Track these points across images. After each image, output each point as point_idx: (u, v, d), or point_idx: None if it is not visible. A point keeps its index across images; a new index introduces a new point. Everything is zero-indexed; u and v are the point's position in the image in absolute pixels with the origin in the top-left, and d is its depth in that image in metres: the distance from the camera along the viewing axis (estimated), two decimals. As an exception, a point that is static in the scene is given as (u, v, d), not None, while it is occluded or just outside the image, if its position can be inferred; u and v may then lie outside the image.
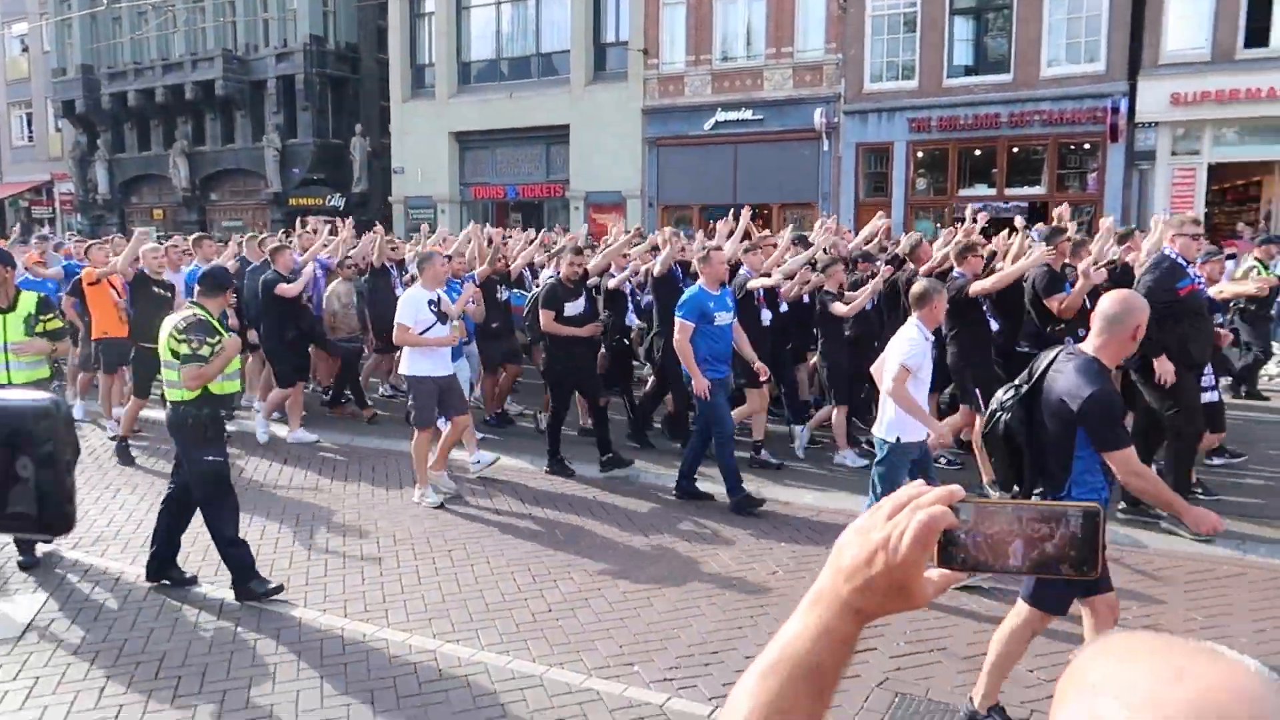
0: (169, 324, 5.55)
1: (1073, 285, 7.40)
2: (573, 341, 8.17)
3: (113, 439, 9.43)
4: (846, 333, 8.44)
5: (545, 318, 8.09)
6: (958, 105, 20.47)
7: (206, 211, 34.00)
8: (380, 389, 12.12)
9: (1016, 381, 4.15)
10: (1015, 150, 20.57)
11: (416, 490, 7.66)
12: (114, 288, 9.48)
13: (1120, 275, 7.89)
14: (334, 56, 31.71)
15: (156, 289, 9.03)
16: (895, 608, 0.97)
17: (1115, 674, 0.72)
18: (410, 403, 8.00)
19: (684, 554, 6.46)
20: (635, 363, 11.02)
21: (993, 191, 20.80)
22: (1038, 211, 20.24)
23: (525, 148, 26.72)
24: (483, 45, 27.30)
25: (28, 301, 6.11)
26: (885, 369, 5.60)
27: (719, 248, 8.03)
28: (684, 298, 7.35)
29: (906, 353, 5.48)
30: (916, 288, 5.77)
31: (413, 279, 8.53)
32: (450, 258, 9.00)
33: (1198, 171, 18.97)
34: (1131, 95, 18.87)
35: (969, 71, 20.74)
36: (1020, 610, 4.02)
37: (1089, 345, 3.88)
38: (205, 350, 5.40)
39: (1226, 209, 20.20)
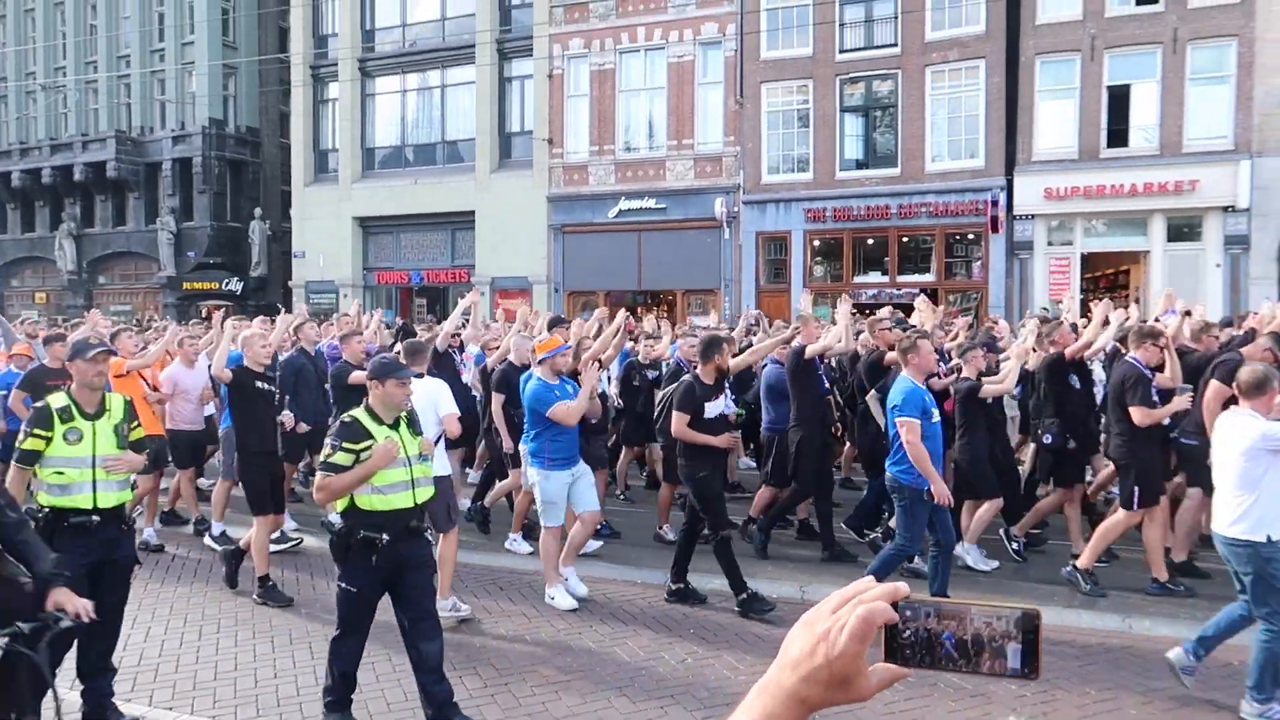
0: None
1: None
2: (707, 449, 7.07)
3: (219, 545, 8.09)
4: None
5: (679, 421, 6.90)
6: (850, 197, 21.44)
7: (94, 295, 32.77)
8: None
9: None
10: (905, 239, 21.59)
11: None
12: (144, 379, 8.74)
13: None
14: (234, 140, 31.38)
15: (260, 384, 7.59)
16: (838, 699, 1.00)
17: None
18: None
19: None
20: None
21: (886, 279, 21.71)
22: (929, 298, 21.19)
23: (430, 233, 26.75)
24: (387, 132, 27.45)
25: (117, 405, 4.95)
26: (1225, 461, 5.04)
27: (925, 334, 7.37)
28: (903, 394, 6.40)
29: (1266, 441, 4.87)
30: (1253, 374, 5.08)
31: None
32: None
33: (1072, 260, 20.22)
34: (1009, 189, 20.11)
35: (860, 165, 21.80)
36: None
37: None
38: (340, 457, 4.60)
39: (1099, 295, 21.45)
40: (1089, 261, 20.68)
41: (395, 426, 4.83)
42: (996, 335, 10.77)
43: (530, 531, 8.30)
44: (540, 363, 7.03)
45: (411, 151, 27.13)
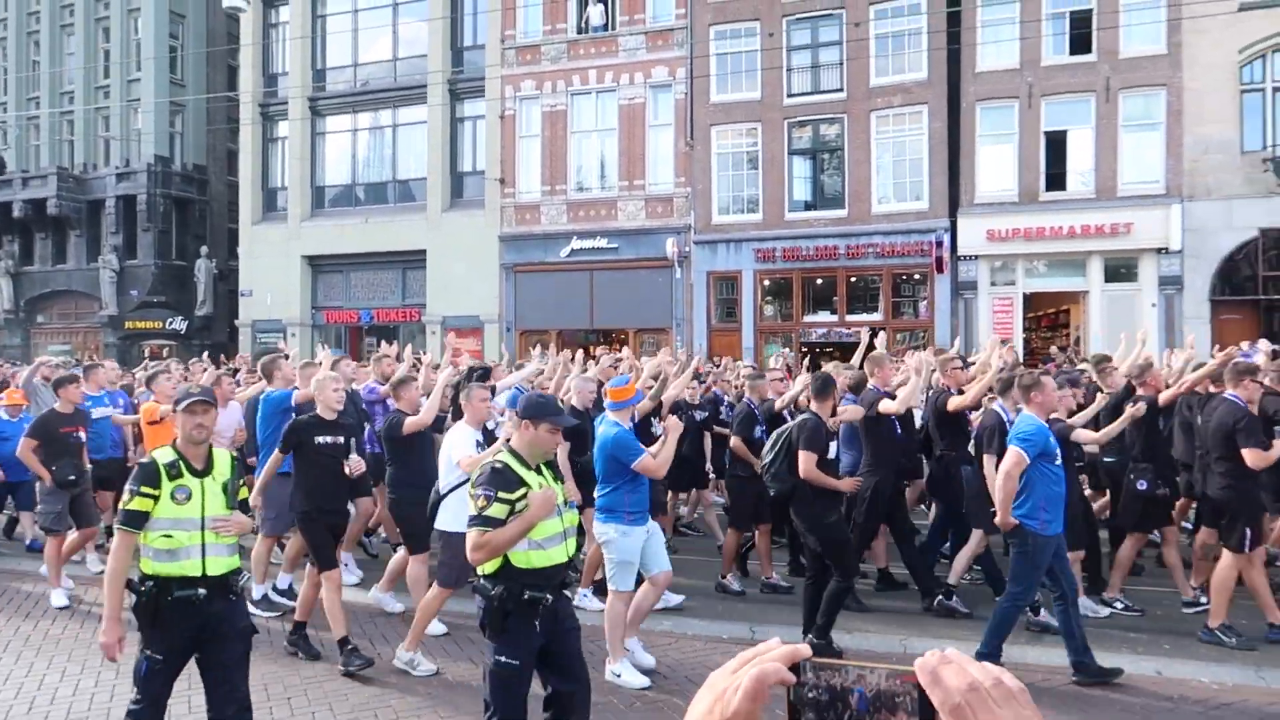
0: (476, 471, 4.30)
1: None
2: (832, 493, 6.79)
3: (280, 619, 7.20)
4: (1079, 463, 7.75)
5: (809, 461, 6.56)
6: (799, 237, 21.77)
7: (32, 334, 31.94)
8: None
9: None
10: (853, 279, 21.94)
11: (403, 653, 6.44)
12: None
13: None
14: (180, 177, 30.97)
15: (324, 439, 6.55)
16: None
17: None
18: (440, 558, 6.60)
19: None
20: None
21: (834, 318, 22.02)
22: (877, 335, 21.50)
23: (381, 272, 26.57)
24: (338, 170, 27.33)
25: (223, 461, 4.47)
26: None
27: (1048, 371, 7.16)
28: (1028, 429, 6.02)
29: None
30: None
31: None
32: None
33: (1014, 300, 20.70)
34: (953, 231, 20.57)
35: (808, 206, 22.18)
36: None
37: None
38: (497, 509, 3.99)
39: (1041, 334, 22.03)
40: (1031, 301, 21.18)
41: (539, 471, 4.30)
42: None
43: (601, 587, 7.58)
44: (619, 409, 6.31)
45: (362, 190, 27.02)
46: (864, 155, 21.34)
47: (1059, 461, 6.06)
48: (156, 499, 4.18)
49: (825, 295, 22.27)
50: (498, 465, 4.11)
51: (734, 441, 8.38)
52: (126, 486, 4.27)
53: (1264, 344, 10.42)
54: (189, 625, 4.19)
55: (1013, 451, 5.94)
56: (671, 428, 6.05)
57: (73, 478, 8.16)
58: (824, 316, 22.23)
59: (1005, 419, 6.99)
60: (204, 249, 30.11)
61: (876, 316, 21.67)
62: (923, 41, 20.79)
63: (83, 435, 8.44)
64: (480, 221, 24.65)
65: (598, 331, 24.10)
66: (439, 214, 25.22)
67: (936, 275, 20.80)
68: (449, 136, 25.56)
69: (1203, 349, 18.76)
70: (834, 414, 7.00)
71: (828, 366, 8.84)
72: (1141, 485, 7.59)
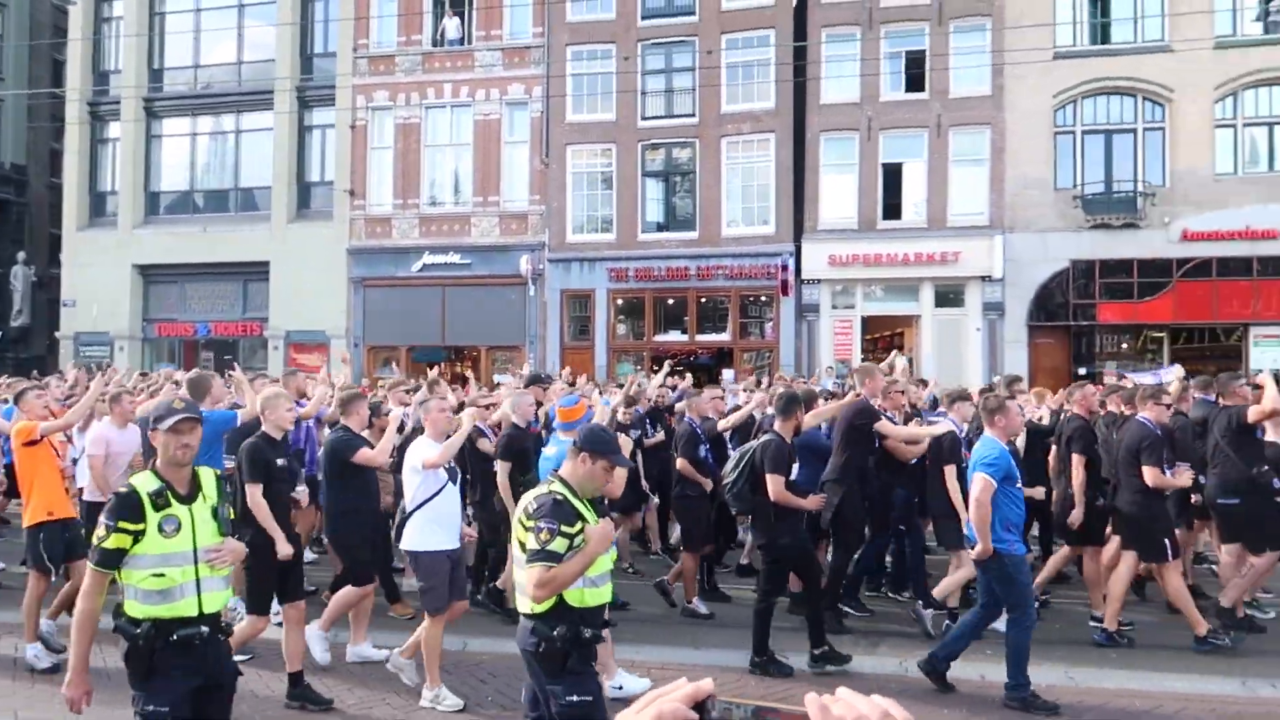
0: (522, 502, 4.00)
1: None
2: (796, 511, 6.74)
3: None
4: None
5: (777, 484, 6.54)
6: (652, 258, 22.13)
7: None
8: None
9: None
10: (703, 300, 22.45)
11: (426, 692, 6.07)
12: (55, 449, 7.00)
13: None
14: (-4, 177, 28.73)
15: (279, 461, 6.09)
16: None
17: None
18: (418, 583, 6.32)
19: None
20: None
21: (685, 338, 22.46)
22: (725, 356, 22.12)
23: (220, 283, 25.38)
24: (174, 175, 25.99)
25: (209, 483, 3.93)
26: None
27: (1011, 395, 7.24)
28: (992, 454, 6.06)
29: None
30: None
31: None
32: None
33: (854, 323, 21.66)
34: (798, 255, 21.37)
35: (661, 228, 22.59)
36: None
37: None
38: (559, 544, 3.72)
39: (878, 356, 23.07)
40: (869, 324, 22.20)
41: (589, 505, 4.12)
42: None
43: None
44: (569, 429, 6.19)
45: (201, 197, 25.79)
46: (715, 179, 21.93)
47: (1019, 485, 6.21)
48: (139, 535, 3.64)
49: (676, 315, 22.69)
50: (558, 497, 3.84)
51: (680, 463, 8.21)
52: (101, 519, 3.70)
53: (1177, 369, 11.08)
54: (192, 671, 3.72)
55: (980, 478, 5.95)
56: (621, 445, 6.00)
57: None
58: (675, 336, 22.64)
59: (958, 430, 7.40)
60: (21, 255, 27.93)
61: (725, 337, 22.25)
62: (771, 72, 21.58)
63: None
64: (328, 233, 23.93)
65: (449, 348, 23.75)
66: (284, 224, 24.33)
67: (782, 297, 21.54)
68: (296, 145, 24.75)
69: (1021, 371, 20.17)
70: (798, 434, 6.98)
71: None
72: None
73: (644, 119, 22.38)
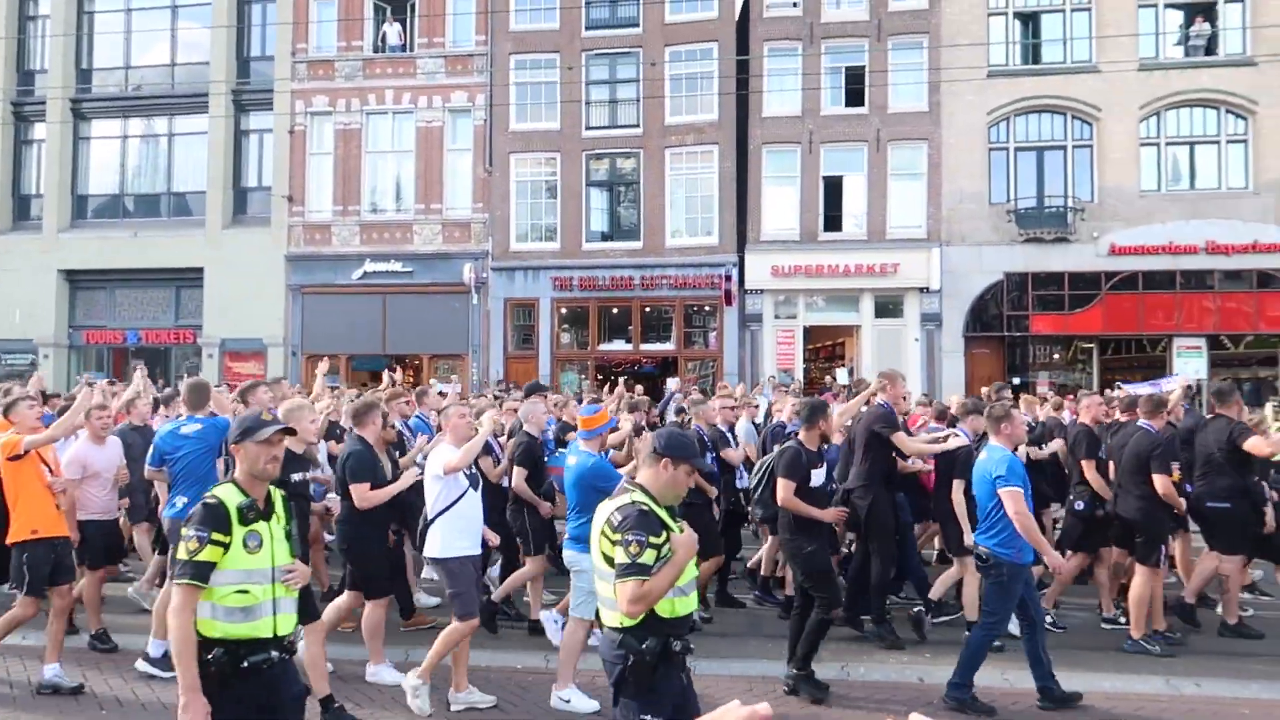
0: (603, 513, 3.81)
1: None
2: (814, 522, 6.61)
3: None
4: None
5: (786, 489, 6.45)
6: (596, 267, 22.15)
7: None
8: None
9: None
10: (648, 309, 22.53)
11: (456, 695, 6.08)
12: (47, 463, 6.57)
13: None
14: (-89, 178, 27.56)
15: (297, 475, 6.18)
16: None
17: None
18: (448, 590, 6.22)
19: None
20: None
21: (629, 347, 22.51)
22: (669, 365, 22.22)
23: (151, 290, 24.69)
24: (103, 178, 25.24)
25: (279, 502, 3.82)
26: None
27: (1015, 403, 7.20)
28: (1006, 465, 6.08)
29: None
30: None
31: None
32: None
33: (796, 333, 21.95)
34: (741, 266, 21.59)
35: (605, 237, 22.63)
36: None
37: None
38: (649, 556, 3.59)
39: (820, 365, 23.44)
40: (810, 334, 22.52)
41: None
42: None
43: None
44: (591, 438, 6.25)
45: (131, 201, 25.08)
46: (658, 190, 22.06)
47: (1029, 492, 6.19)
48: (227, 547, 3.51)
49: (620, 324, 22.73)
50: (643, 508, 3.70)
51: None
52: (189, 531, 3.51)
53: (1181, 378, 11.31)
54: (261, 699, 3.57)
55: (1008, 494, 5.94)
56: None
57: None
58: (619, 345, 22.68)
59: (970, 443, 7.53)
60: (-62, 259, 26.87)
61: (669, 346, 22.35)
62: (714, 85, 21.81)
63: None
64: (265, 240, 23.45)
65: (390, 357, 23.41)
66: (219, 230, 23.77)
67: (725, 308, 21.72)
68: (232, 149, 24.23)
69: (958, 380, 20.64)
70: (825, 442, 6.88)
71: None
72: (1079, 505, 8.04)
73: (588, 129, 22.42)
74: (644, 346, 22.51)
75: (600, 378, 21.74)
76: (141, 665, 6.69)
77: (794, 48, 21.66)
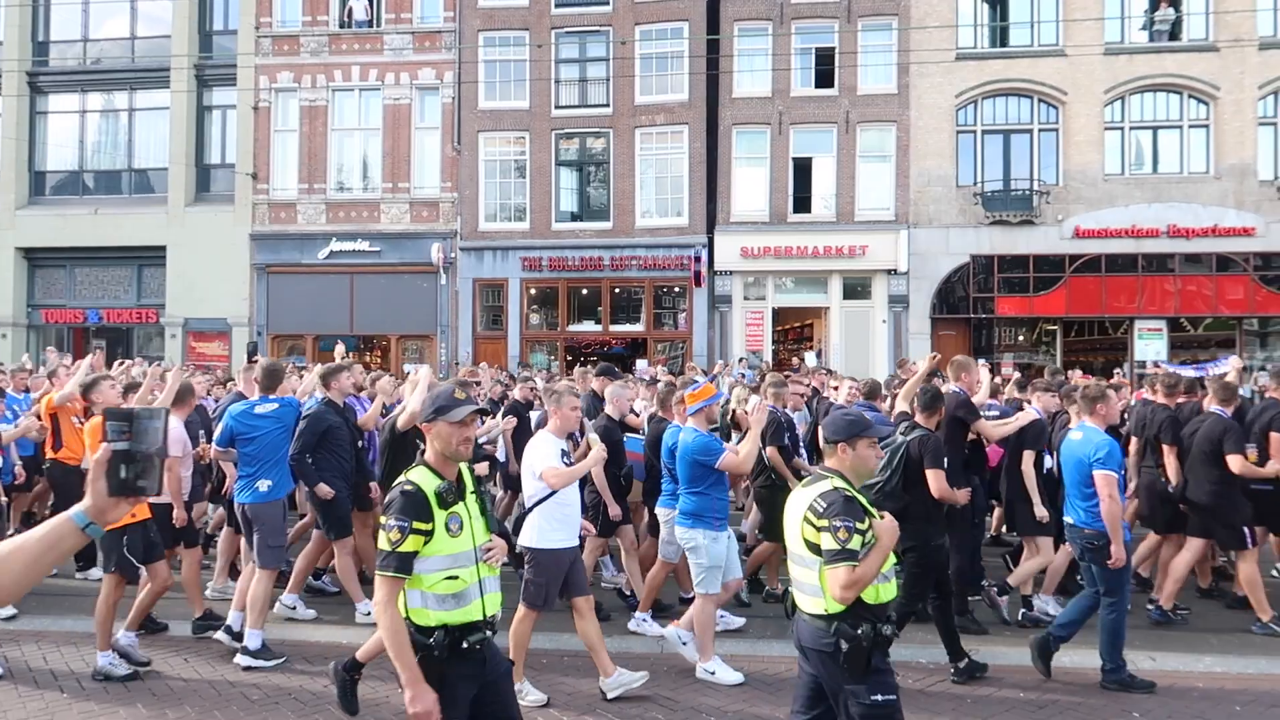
0: (803, 500, 3.79)
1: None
2: (943, 510, 6.59)
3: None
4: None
5: (937, 479, 6.34)
6: (565, 247, 22.07)
7: None
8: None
9: None
10: (617, 290, 22.50)
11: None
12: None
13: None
14: None
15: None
16: None
17: None
18: (527, 575, 5.94)
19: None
20: None
21: (599, 328, 22.49)
22: (638, 346, 22.23)
23: (112, 268, 24.29)
24: (62, 155, 24.72)
25: (467, 477, 3.72)
26: None
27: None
28: (1104, 448, 6.01)
29: None
30: None
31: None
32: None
33: (765, 314, 22.02)
34: (710, 247, 21.60)
35: (575, 217, 22.53)
36: None
37: None
38: (856, 542, 3.61)
39: (789, 346, 23.56)
40: (779, 315, 22.61)
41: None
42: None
43: (660, 609, 7.35)
44: (695, 413, 6.30)
45: (91, 178, 24.61)
46: (628, 170, 21.98)
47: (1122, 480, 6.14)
48: (429, 535, 3.41)
49: (590, 305, 22.69)
50: (846, 494, 3.72)
51: (770, 452, 7.96)
52: (389, 521, 3.40)
53: (1234, 360, 11.08)
54: (475, 681, 3.50)
55: (1103, 477, 5.93)
56: (755, 421, 6.14)
57: None
58: (589, 326, 22.65)
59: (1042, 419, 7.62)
60: (-109, 236, 26.24)
61: (639, 327, 22.35)
62: (684, 65, 21.73)
63: None
64: (229, 218, 23.12)
65: (358, 337, 23.25)
66: (182, 208, 23.40)
67: (695, 289, 21.75)
68: (195, 125, 23.82)
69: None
70: (938, 429, 6.78)
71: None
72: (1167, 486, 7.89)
73: (558, 108, 22.27)
74: (614, 327, 22.50)
75: (570, 358, 21.73)
76: (241, 659, 6.39)
77: (764, 28, 21.62)
